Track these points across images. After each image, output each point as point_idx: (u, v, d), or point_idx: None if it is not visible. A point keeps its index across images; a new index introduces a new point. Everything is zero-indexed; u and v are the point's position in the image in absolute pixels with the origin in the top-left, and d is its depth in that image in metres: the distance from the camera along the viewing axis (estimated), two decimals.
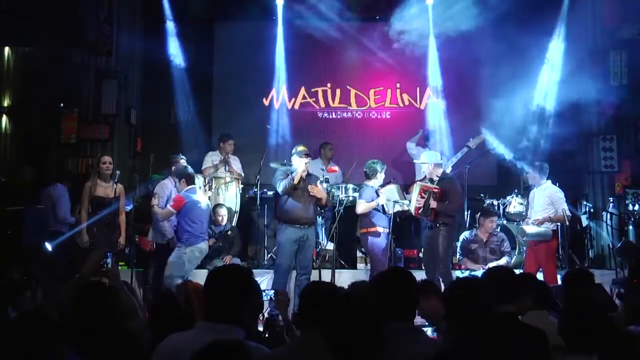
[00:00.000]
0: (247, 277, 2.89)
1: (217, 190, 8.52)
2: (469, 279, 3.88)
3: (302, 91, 10.26)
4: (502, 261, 7.57)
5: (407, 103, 10.34)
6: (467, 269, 7.52)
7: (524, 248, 7.70)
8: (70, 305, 3.29)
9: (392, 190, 7.23)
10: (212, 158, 8.93)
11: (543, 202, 7.35)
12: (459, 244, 7.78)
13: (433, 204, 6.81)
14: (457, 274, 7.26)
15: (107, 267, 6.00)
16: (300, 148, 7.16)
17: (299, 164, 6.98)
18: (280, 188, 6.97)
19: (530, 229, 7.30)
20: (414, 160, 8.34)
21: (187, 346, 2.61)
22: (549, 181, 7.54)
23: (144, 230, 7.68)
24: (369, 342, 2.46)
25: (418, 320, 3.71)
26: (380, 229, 7.08)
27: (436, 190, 6.85)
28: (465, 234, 7.86)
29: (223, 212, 8.11)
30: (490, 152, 8.97)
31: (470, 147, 8.08)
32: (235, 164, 8.92)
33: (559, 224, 7.38)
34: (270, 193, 8.60)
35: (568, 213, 7.27)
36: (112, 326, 3.15)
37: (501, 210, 8.54)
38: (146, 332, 3.38)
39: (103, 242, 6.90)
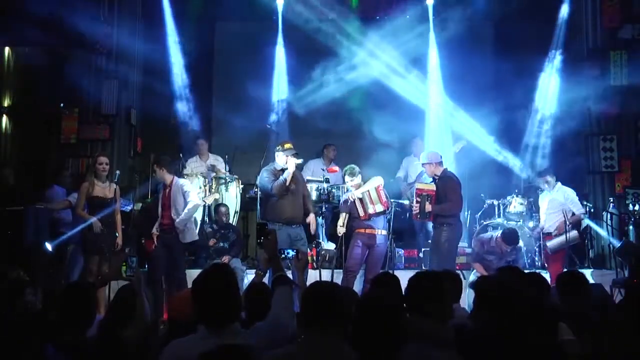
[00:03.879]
0: (233, 273, 2.93)
1: (218, 190, 8.53)
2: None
3: (302, 91, 10.26)
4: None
5: (408, 102, 10.33)
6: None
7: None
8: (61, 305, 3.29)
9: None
10: (190, 166, 8.97)
11: (556, 204, 7.44)
12: (474, 247, 7.62)
13: (428, 207, 6.83)
14: (472, 277, 7.10)
15: (132, 270, 5.92)
16: (287, 145, 6.92)
17: (289, 164, 6.75)
18: (272, 190, 6.73)
19: (553, 243, 7.34)
20: (416, 162, 8.28)
21: (191, 352, 2.62)
22: (559, 182, 7.65)
23: (146, 233, 7.65)
24: (390, 341, 2.48)
25: None
26: (358, 230, 7.04)
27: (431, 193, 6.86)
28: (483, 240, 7.48)
29: (224, 211, 8.11)
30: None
31: (454, 152, 8.09)
32: (214, 161, 8.94)
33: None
34: None
35: (583, 211, 7.40)
36: (105, 332, 3.16)
37: (501, 210, 8.56)
38: (145, 340, 3.35)
39: (102, 242, 6.90)
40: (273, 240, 3.56)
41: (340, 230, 7.11)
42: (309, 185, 8.05)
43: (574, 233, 7.45)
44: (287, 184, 6.76)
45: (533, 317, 2.62)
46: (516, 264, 7.53)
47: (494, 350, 2.47)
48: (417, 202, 6.92)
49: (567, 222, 7.35)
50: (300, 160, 6.99)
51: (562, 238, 7.44)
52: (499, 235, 7.31)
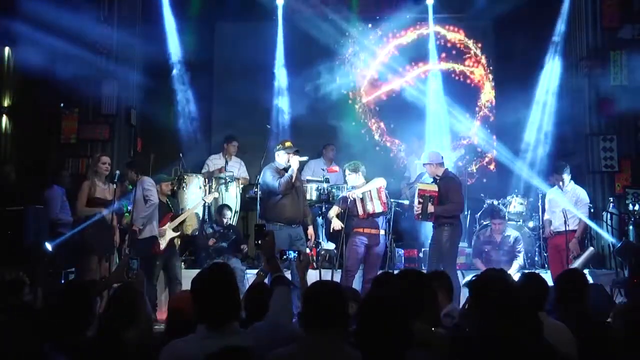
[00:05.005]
0: (232, 272, 2.94)
1: (218, 190, 8.53)
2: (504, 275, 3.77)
3: (302, 91, 10.26)
4: (515, 266, 7.58)
5: (408, 102, 10.34)
6: (477, 269, 7.49)
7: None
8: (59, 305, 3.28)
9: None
10: (212, 162, 8.97)
11: (565, 203, 7.43)
12: (472, 244, 7.78)
13: (431, 208, 6.81)
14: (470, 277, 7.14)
15: (133, 272, 5.94)
16: (288, 144, 6.93)
17: (293, 162, 6.75)
18: (279, 187, 6.70)
19: (579, 263, 7.36)
20: (416, 161, 8.25)
21: (191, 352, 2.62)
22: (572, 181, 7.63)
23: None
24: (397, 341, 2.47)
25: None
26: (356, 229, 7.02)
27: (434, 194, 6.85)
28: (479, 234, 7.82)
29: (229, 215, 8.12)
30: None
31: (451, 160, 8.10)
32: (238, 166, 8.94)
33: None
34: None
35: (586, 215, 7.44)
36: (106, 332, 3.16)
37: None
38: (145, 341, 3.34)
39: (101, 242, 6.92)
40: (270, 242, 3.56)
41: (336, 222, 7.09)
42: (308, 185, 8.06)
43: (590, 250, 7.52)
44: (293, 180, 6.75)
45: (529, 317, 2.61)
46: (517, 255, 7.61)
47: (488, 352, 2.46)
48: (419, 202, 6.91)
49: (567, 223, 7.33)
50: (305, 158, 6.97)
51: (583, 258, 7.43)
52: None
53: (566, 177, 7.65)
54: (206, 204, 8.34)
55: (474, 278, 3.61)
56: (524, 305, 2.67)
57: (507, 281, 2.91)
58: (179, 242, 8.11)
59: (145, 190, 7.22)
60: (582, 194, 7.67)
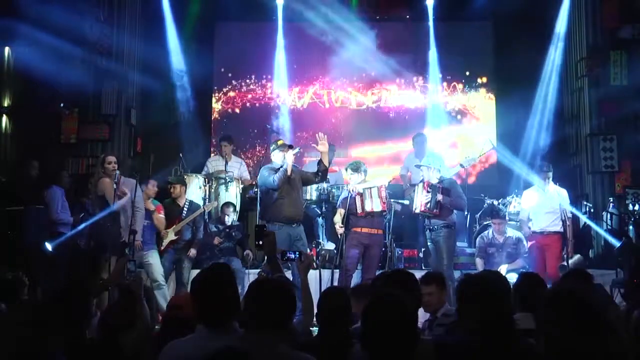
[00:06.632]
0: (232, 272, 2.93)
1: (217, 190, 8.52)
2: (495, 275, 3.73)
3: (302, 91, 10.28)
4: (518, 264, 7.54)
5: (407, 102, 10.36)
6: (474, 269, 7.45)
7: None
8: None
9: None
10: (211, 164, 8.95)
11: (554, 203, 7.35)
12: (477, 244, 7.75)
13: (439, 197, 6.83)
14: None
15: (131, 274, 5.89)
16: (281, 142, 6.93)
17: (287, 157, 6.66)
18: (275, 182, 6.62)
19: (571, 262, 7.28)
20: (415, 165, 8.21)
21: (191, 352, 2.62)
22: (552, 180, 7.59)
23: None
24: (403, 343, 2.46)
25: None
26: (354, 228, 6.98)
27: (439, 186, 6.89)
28: (483, 235, 7.72)
29: (230, 212, 8.07)
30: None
31: (463, 166, 8.05)
32: (238, 166, 8.93)
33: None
34: None
35: (569, 214, 7.36)
36: (104, 335, 3.16)
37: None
38: (145, 345, 3.34)
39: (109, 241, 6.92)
40: (272, 242, 3.55)
41: (340, 229, 7.07)
42: (308, 187, 8.02)
43: (578, 257, 7.50)
44: (289, 174, 6.69)
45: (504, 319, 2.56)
46: (517, 256, 7.59)
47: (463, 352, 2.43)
48: (427, 192, 6.91)
49: (567, 224, 7.31)
50: (297, 150, 6.90)
51: (572, 263, 7.38)
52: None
53: (550, 175, 7.60)
54: (205, 211, 8.30)
55: (460, 276, 3.62)
56: (499, 306, 2.62)
57: (487, 281, 2.85)
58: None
59: (138, 196, 7.16)
60: (565, 193, 7.58)
